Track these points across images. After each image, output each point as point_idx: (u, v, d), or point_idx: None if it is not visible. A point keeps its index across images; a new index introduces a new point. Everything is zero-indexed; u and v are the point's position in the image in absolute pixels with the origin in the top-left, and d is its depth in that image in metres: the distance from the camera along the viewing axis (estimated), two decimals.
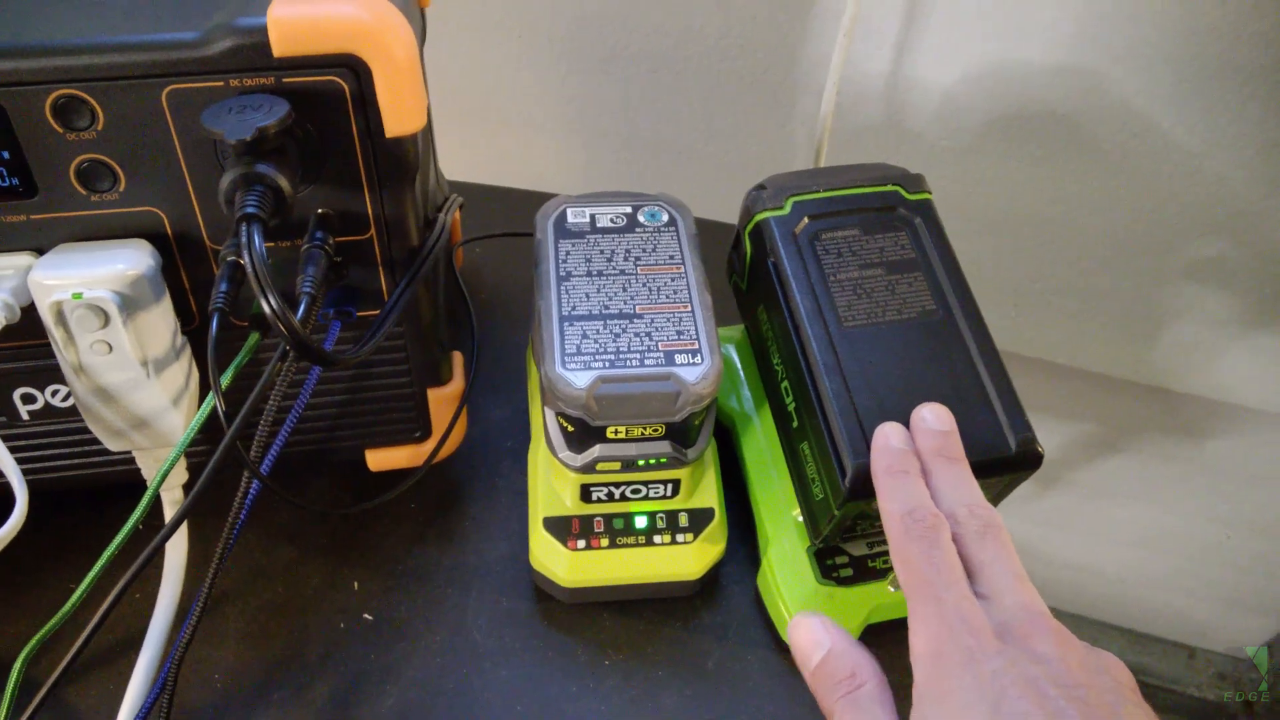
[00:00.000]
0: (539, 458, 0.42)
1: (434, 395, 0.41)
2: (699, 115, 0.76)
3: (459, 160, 0.64)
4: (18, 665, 0.34)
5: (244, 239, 0.29)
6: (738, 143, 0.77)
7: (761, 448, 0.43)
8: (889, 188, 0.41)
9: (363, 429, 0.41)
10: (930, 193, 0.42)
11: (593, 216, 0.42)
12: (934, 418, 0.34)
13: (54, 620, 0.35)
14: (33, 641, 0.34)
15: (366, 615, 0.42)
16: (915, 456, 0.33)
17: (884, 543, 0.39)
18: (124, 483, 0.40)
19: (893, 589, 0.39)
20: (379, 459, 0.43)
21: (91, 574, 0.34)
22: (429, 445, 0.43)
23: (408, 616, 0.42)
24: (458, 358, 0.44)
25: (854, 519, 0.37)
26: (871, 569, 0.39)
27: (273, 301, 0.29)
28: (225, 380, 0.33)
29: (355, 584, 0.43)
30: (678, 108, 0.76)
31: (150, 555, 0.33)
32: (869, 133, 0.73)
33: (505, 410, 0.50)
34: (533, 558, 0.41)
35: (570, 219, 0.42)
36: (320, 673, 0.40)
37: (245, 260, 0.29)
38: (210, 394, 0.33)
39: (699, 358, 0.36)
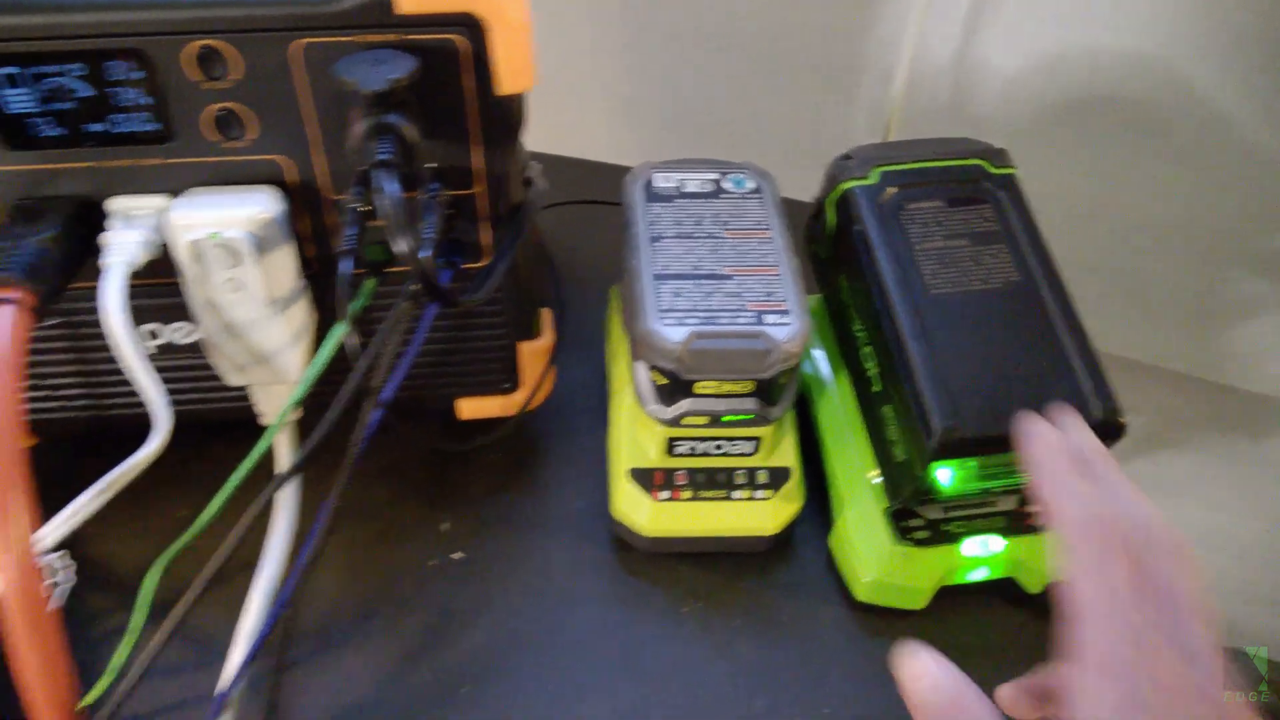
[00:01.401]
0: (622, 412, 0.44)
1: (526, 349, 0.43)
2: (763, 94, 0.77)
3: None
4: (153, 580, 0.36)
5: (380, 183, 0.31)
6: (800, 122, 0.77)
7: (837, 413, 0.45)
8: (974, 161, 0.42)
9: (458, 379, 0.43)
10: (1015, 167, 0.43)
11: (680, 182, 0.44)
12: (1075, 421, 0.32)
13: (186, 536, 0.36)
14: (164, 558, 0.36)
15: (454, 555, 0.44)
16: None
17: (961, 507, 0.41)
18: (231, 419, 0.42)
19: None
20: (471, 407, 0.45)
21: (222, 495, 0.35)
22: (518, 396, 0.44)
23: (493, 558, 0.44)
24: (546, 314, 0.45)
25: (940, 492, 0.38)
26: (946, 532, 0.41)
27: (408, 241, 0.31)
28: (349, 320, 0.35)
29: (444, 525, 0.45)
30: (742, 86, 0.77)
31: (287, 478, 0.35)
32: (933, 114, 0.74)
33: (582, 369, 0.52)
34: (614, 508, 0.43)
35: (659, 184, 0.44)
36: (412, 606, 0.42)
37: (381, 203, 0.31)
38: (334, 331, 0.35)
39: (789, 318, 0.38)
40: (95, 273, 0.35)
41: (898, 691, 0.28)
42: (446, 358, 0.42)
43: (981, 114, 0.73)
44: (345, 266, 0.34)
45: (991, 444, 0.36)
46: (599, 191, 0.62)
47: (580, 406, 0.51)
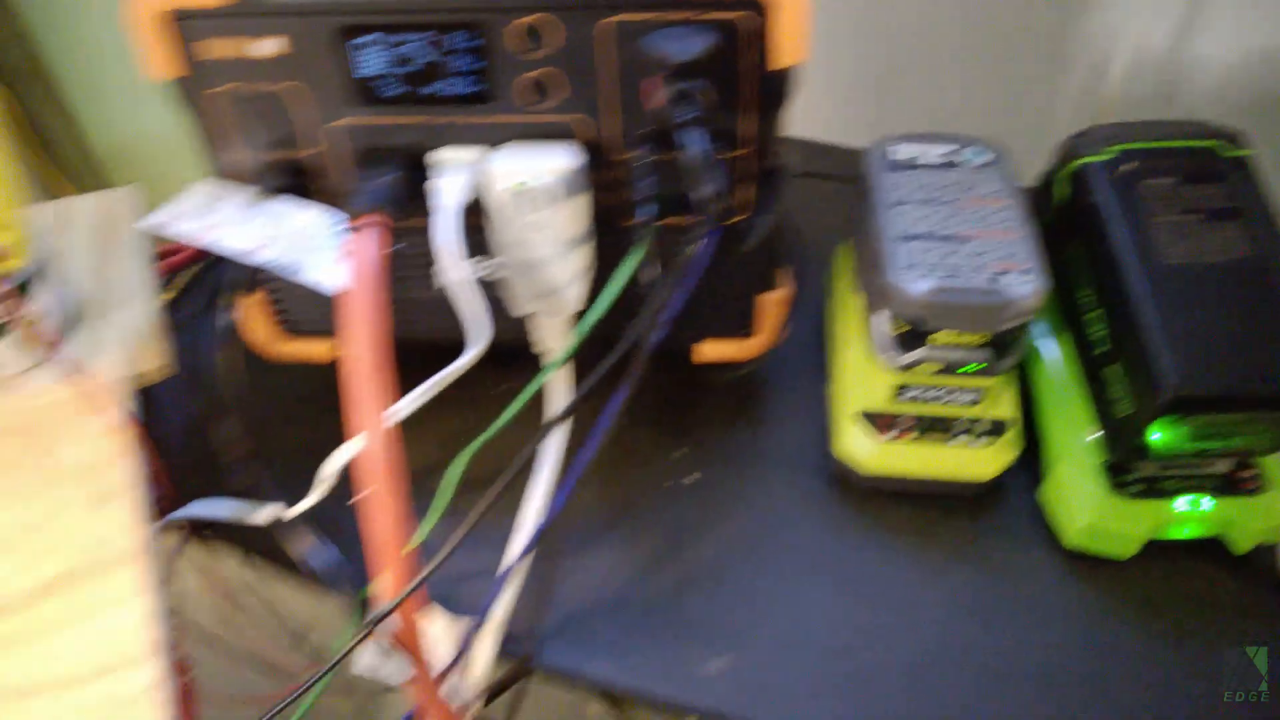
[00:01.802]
0: (850, 360, 0.48)
1: (766, 299, 0.48)
2: (978, 78, 0.79)
3: None
4: (459, 468, 0.42)
5: (688, 140, 0.37)
6: (1009, 106, 0.79)
7: (1056, 373, 0.48)
8: (1208, 142, 0.44)
9: (703, 324, 0.49)
10: (1250, 149, 0.44)
11: (918, 153, 0.47)
12: None
13: (486, 434, 0.42)
14: (468, 451, 0.42)
15: (685, 480, 0.50)
16: None
17: (1176, 466, 0.43)
18: (505, 349, 0.49)
19: None
20: (710, 351, 0.50)
21: (520, 400, 0.41)
22: (753, 343, 0.49)
23: (720, 484, 0.49)
24: (785, 269, 0.50)
25: (1159, 448, 0.41)
26: (1159, 488, 0.43)
27: (711, 188, 0.36)
28: (644, 249, 0.41)
29: (677, 453, 0.51)
30: (943, 66, 0.79)
31: (583, 397, 0.41)
32: (1144, 104, 0.74)
33: (802, 323, 0.56)
34: (837, 447, 0.47)
35: (897, 155, 0.47)
36: (650, 520, 0.48)
37: (691, 156, 0.36)
38: (629, 260, 0.41)
39: (1028, 277, 0.41)
40: (412, 213, 0.42)
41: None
42: (697, 304, 0.48)
43: (1188, 106, 0.73)
44: (645, 211, 0.39)
45: (1216, 404, 0.38)
46: (820, 168, 0.66)
47: (798, 357, 0.55)
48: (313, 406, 0.50)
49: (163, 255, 0.57)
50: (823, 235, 0.59)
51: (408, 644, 0.40)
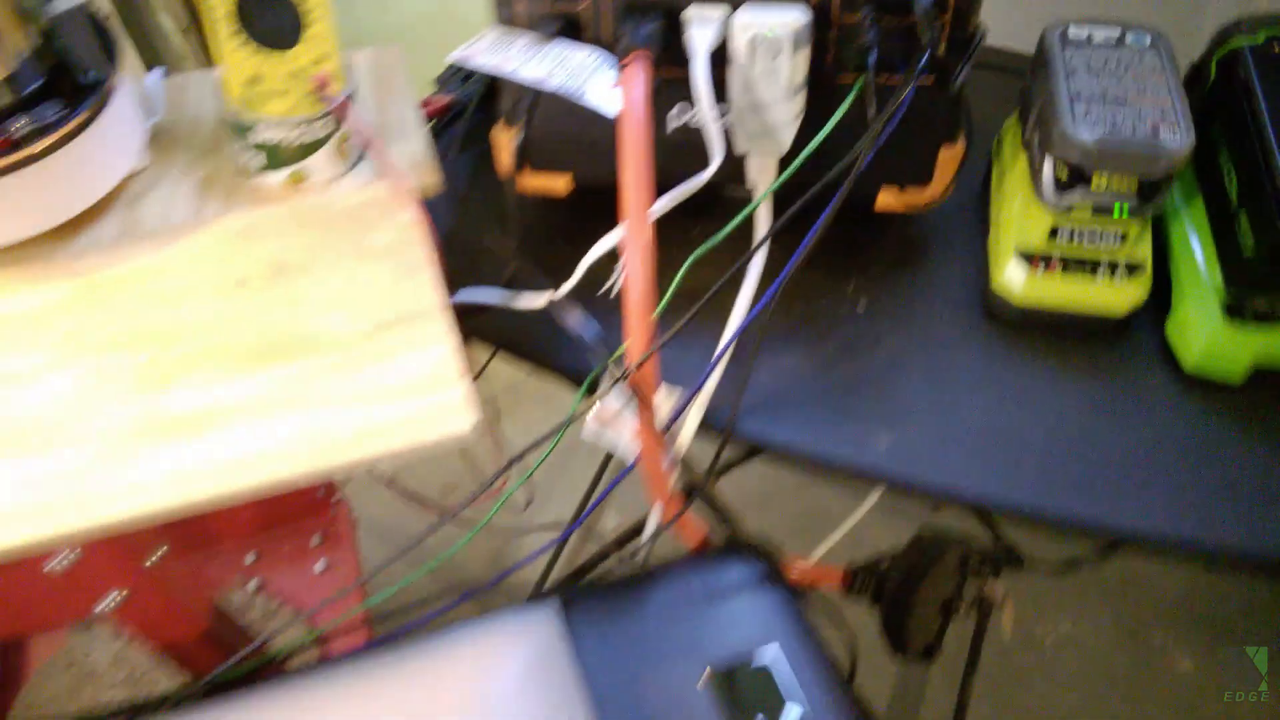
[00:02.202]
0: (1012, 206, 0.57)
1: (945, 152, 0.57)
2: None
3: None
4: (682, 272, 0.53)
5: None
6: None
7: (1187, 224, 0.56)
8: None
9: (886, 174, 0.58)
10: None
11: (1090, 34, 0.55)
12: None
13: (710, 243, 0.53)
14: (694, 256, 0.53)
15: (858, 308, 0.59)
16: None
17: None
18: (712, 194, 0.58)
19: None
20: (887, 199, 0.59)
21: (735, 221, 0.52)
22: (928, 193, 0.58)
23: (888, 312, 0.59)
24: (962, 128, 0.59)
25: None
26: (1271, 322, 0.51)
27: (929, 36, 0.45)
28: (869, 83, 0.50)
29: (850, 285, 0.60)
30: None
31: (784, 219, 0.50)
32: None
33: (963, 187, 0.65)
34: (995, 280, 0.56)
35: (1072, 34, 0.55)
36: (827, 336, 0.58)
37: (922, 8, 0.45)
38: (831, 119, 0.50)
39: (1179, 132, 0.49)
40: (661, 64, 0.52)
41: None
42: (885, 154, 0.57)
43: None
44: (858, 67, 0.49)
45: None
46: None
47: (957, 214, 0.64)
48: (546, 230, 0.61)
49: (422, 104, 0.69)
50: (983, 119, 0.67)
51: (644, 392, 0.51)
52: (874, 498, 0.71)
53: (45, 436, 0.46)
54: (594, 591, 0.58)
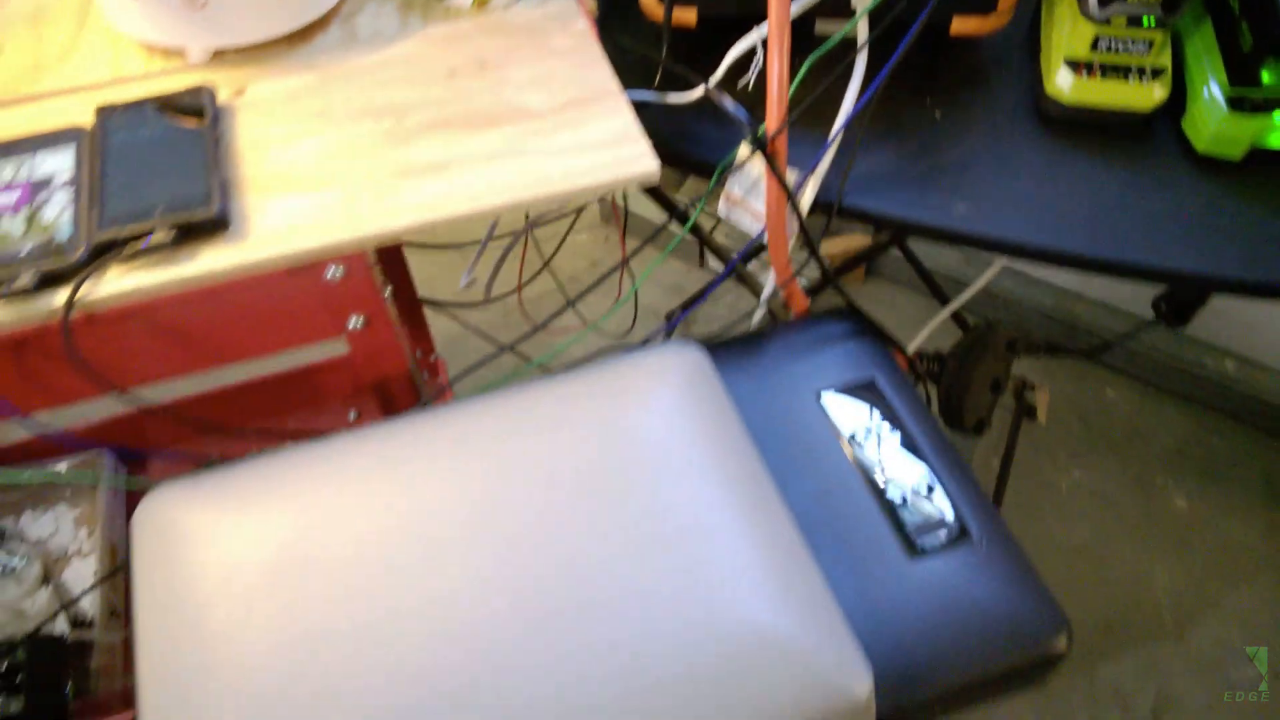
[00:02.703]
0: (1061, 23, 0.70)
1: None
2: None
3: None
4: (803, 69, 0.66)
5: None
6: None
7: (1197, 41, 0.69)
8: None
9: (958, 5, 0.71)
10: None
11: None
12: None
13: (825, 46, 0.66)
14: (808, 61, 0.66)
15: (935, 115, 0.73)
16: None
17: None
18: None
19: None
20: (961, 25, 0.72)
21: (848, 26, 0.65)
22: (993, 20, 0.72)
23: (959, 119, 0.73)
24: None
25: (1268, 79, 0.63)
26: (1265, 109, 0.65)
27: None
28: None
29: (927, 101, 0.74)
30: None
31: (877, 38, 0.63)
32: None
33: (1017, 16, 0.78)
34: (1048, 84, 0.70)
35: None
36: (911, 135, 0.72)
37: None
38: None
39: None
40: None
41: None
42: None
43: None
44: None
45: None
46: None
47: (1012, 44, 0.77)
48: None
49: None
50: None
51: (778, 156, 0.64)
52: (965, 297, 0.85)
53: (318, 178, 0.60)
54: (724, 341, 0.73)
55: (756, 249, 0.84)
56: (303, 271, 0.58)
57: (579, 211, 1.02)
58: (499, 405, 0.60)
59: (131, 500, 1.20)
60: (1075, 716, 1.16)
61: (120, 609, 1.11)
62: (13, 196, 0.56)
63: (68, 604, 0.99)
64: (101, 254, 0.54)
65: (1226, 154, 0.67)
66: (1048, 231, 0.66)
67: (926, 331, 0.87)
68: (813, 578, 0.54)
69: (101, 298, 0.54)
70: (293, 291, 0.60)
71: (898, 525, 0.62)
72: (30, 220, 0.55)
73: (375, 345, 0.66)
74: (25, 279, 0.53)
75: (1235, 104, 0.66)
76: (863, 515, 0.63)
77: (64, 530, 1.17)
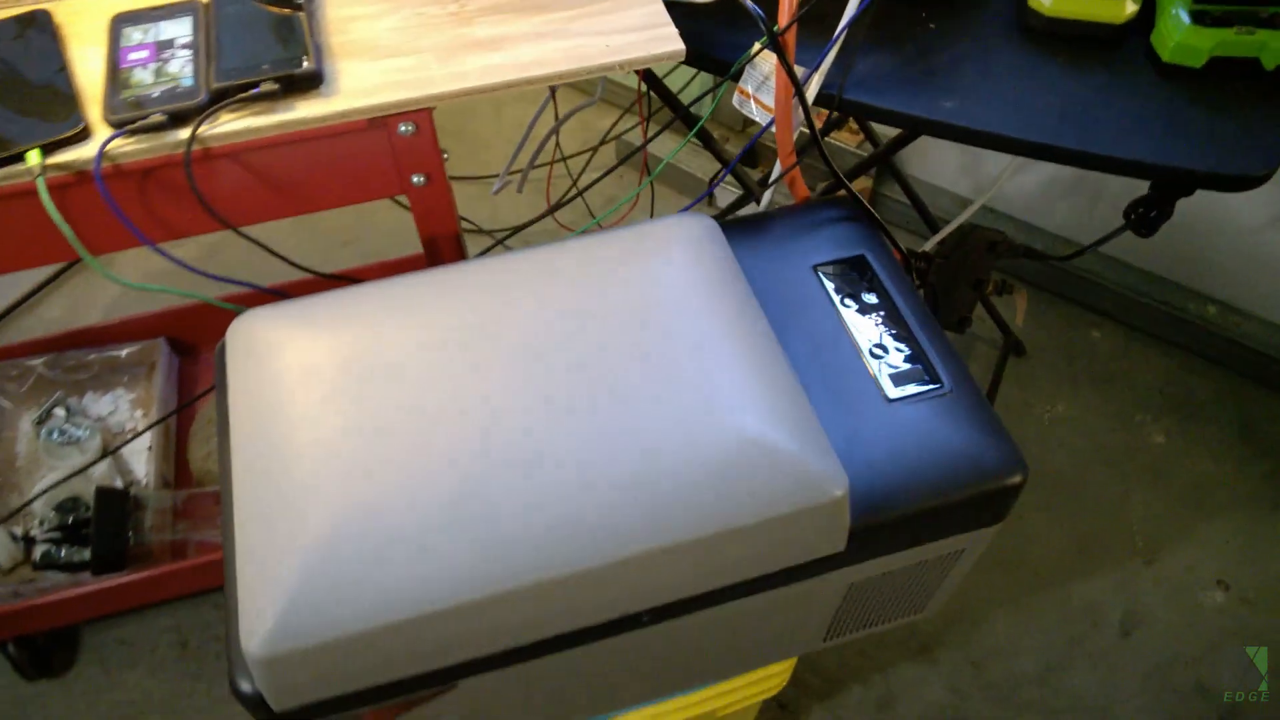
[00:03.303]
0: None
1: None
2: None
3: None
4: None
5: None
6: None
7: None
8: None
9: None
10: None
11: None
12: None
13: None
14: None
15: (931, 26, 0.82)
16: None
17: (1236, 4, 0.74)
18: None
19: None
20: None
21: None
22: None
23: (951, 29, 0.82)
24: None
25: None
26: (1223, 21, 0.74)
27: None
28: None
29: (923, 13, 0.83)
30: None
31: None
32: None
33: None
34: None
35: None
36: (909, 44, 0.81)
37: None
38: None
39: None
40: None
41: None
42: None
43: None
44: None
45: None
46: None
47: None
48: None
49: None
50: None
51: (788, 49, 0.73)
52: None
53: (393, 48, 0.69)
54: (732, 220, 0.82)
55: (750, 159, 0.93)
56: (379, 125, 0.68)
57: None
58: (538, 253, 0.70)
59: (183, 388, 1.31)
60: (1048, 629, 1.25)
61: (170, 479, 1.22)
62: (143, 54, 0.66)
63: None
64: (218, 100, 0.64)
65: (1188, 63, 0.76)
66: (1022, 126, 0.75)
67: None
68: (800, 401, 0.64)
69: (216, 134, 0.64)
70: (369, 146, 0.70)
71: (877, 375, 0.71)
72: (158, 73, 0.65)
73: (432, 203, 0.76)
74: (156, 116, 0.63)
75: (1198, 17, 0.75)
76: (847, 365, 0.72)
77: (121, 410, 1.28)
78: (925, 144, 1.53)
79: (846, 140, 1.51)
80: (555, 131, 0.97)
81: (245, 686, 0.58)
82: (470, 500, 0.57)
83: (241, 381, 0.65)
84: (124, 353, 1.29)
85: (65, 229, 0.63)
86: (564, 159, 1.38)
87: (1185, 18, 0.75)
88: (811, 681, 1.21)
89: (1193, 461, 1.38)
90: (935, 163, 1.53)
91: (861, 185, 1.56)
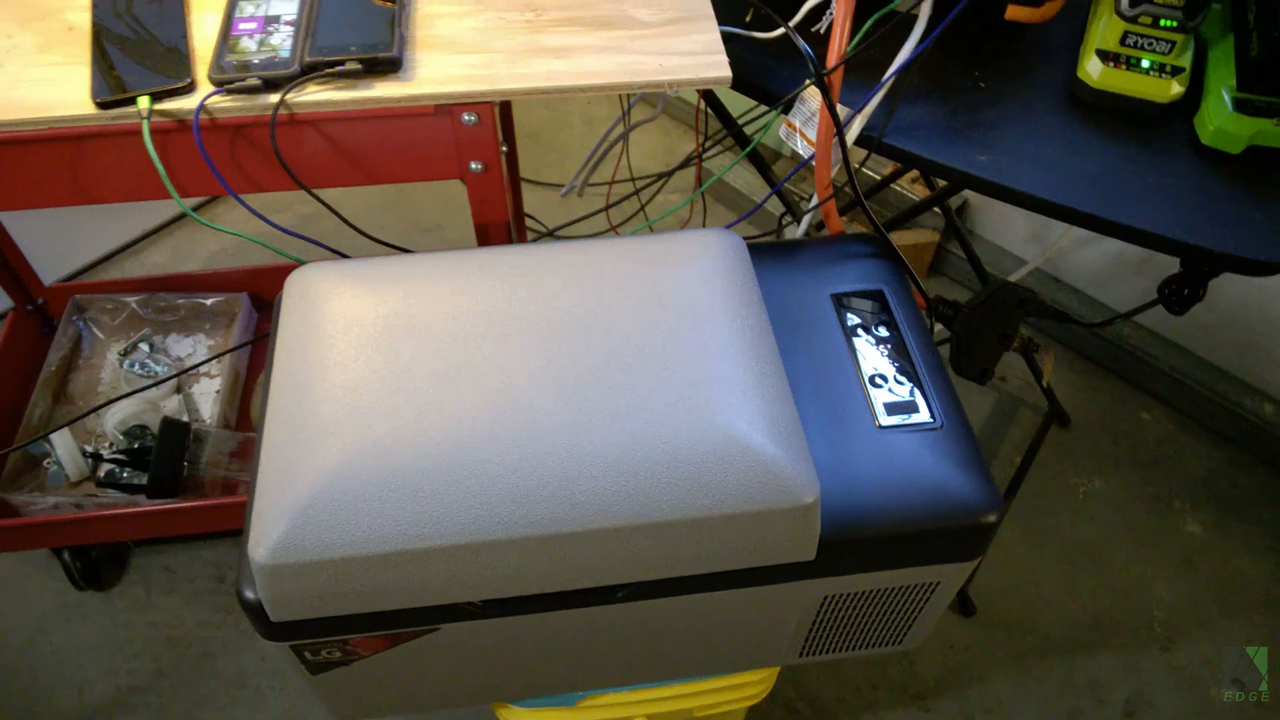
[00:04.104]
0: (1099, 18, 0.82)
1: None
2: None
3: None
4: (864, 28, 0.80)
5: None
6: None
7: (1218, 50, 0.80)
8: None
9: None
10: None
11: None
12: None
13: (891, 5, 0.80)
14: (878, 15, 0.80)
15: (981, 85, 0.86)
16: None
17: None
18: None
19: None
20: (1016, 11, 0.85)
21: None
22: (1042, 10, 0.84)
23: (1000, 90, 0.85)
24: None
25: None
26: (1267, 113, 0.76)
27: None
28: None
29: (975, 72, 0.87)
30: None
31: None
32: None
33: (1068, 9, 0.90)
34: (1080, 70, 0.82)
35: None
36: (955, 96, 0.85)
37: None
38: None
39: None
40: None
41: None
42: None
43: None
44: None
45: None
46: None
47: (1063, 31, 0.89)
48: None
49: None
50: None
51: (832, 88, 0.78)
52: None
53: (469, 46, 0.77)
54: (767, 243, 0.87)
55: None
56: (446, 112, 0.75)
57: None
58: (574, 246, 0.75)
59: (258, 342, 1.40)
60: (1049, 696, 1.25)
61: (232, 423, 1.31)
62: (251, 25, 0.75)
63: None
64: (308, 72, 0.72)
65: (1226, 148, 0.78)
66: (1051, 187, 0.77)
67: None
68: (788, 410, 0.68)
69: (302, 102, 0.72)
70: (435, 130, 0.77)
71: (873, 401, 0.74)
72: (261, 43, 0.74)
73: (487, 191, 0.82)
74: (253, 80, 0.71)
75: (1241, 105, 0.77)
76: (846, 388, 0.75)
77: (199, 354, 1.39)
78: (995, 207, 1.55)
79: (918, 191, 1.54)
80: (622, 138, 1.03)
81: (249, 594, 0.65)
82: (468, 453, 0.62)
83: (291, 325, 0.72)
84: (210, 301, 1.40)
85: (159, 167, 0.72)
86: (632, 178, 1.44)
87: (1229, 104, 0.77)
88: (804, 710, 1.23)
89: (1227, 557, 1.36)
90: (1003, 225, 1.55)
91: (928, 238, 1.59)
